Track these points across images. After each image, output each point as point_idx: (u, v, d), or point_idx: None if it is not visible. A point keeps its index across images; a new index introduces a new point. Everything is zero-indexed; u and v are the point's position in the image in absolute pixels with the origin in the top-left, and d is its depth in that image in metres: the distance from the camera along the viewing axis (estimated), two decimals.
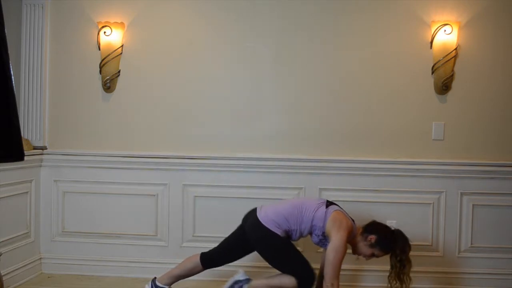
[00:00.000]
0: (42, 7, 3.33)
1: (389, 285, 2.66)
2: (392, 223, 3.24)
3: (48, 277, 3.32)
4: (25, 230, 3.26)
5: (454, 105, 3.25)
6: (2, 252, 2.58)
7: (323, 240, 2.66)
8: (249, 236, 2.70)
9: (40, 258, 3.41)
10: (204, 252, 2.80)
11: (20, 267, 3.16)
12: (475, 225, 3.25)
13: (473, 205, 3.24)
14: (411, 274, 2.64)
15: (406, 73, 3.26)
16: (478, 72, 3.23)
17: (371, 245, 2.63)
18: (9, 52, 1.75)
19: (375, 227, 2.69)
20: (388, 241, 2.64)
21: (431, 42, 3.20)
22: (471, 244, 3.26)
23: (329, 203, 2.70)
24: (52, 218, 3.42)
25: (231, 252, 2.81)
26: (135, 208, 3.38)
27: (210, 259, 2.79)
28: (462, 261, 3.27)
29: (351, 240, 2.67)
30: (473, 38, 3.21)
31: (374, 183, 3.26)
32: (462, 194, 3.24)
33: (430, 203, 3.26)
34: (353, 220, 2.70)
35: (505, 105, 3.23)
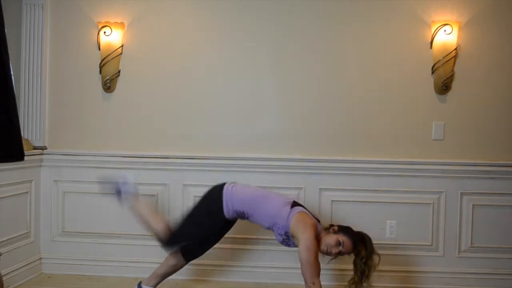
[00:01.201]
0: (42, 7, 3.33)
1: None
2: (392, 223, 3.26)
3: (48, 277, 3.32)
4: (25, 230, 3.26)
5: (454, 105, 3.25)
6: (2, 252, 2.58)
7: (287, 239, 2.67)
8: (208, 192, 2.79)
9: (40, 258, 3.41)
10: (184, 245, 2.83)
11: (20, 267, 3.15)
12: (475, 225, 3.25)
13: (473, 205, 3.24)
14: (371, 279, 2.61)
15: (406, 73, 3.26)
16: (478, 72, 3.23)
17: (335, 232, 2.62)
18: (9, 52, 1.75)
19: (337, 224, 2.71)
20: (351, 230, 2.65)
21: (431, 42, 3.20)
22: (471, 244, 3.26)
23: (294, 204, 2.70)
24: (52, 218, 3.42)
25: (206, 233, 2.80)
26: None
27: (189, 250, 2.81)
28: (462, 261, 3.27)
29: (316, 238, 2.63)
30: (473, 38, 3.21)
31: (374, 183, 3.26)
32: (462, 194, 3.24)
33: (430, 203, 3.26)
34: (318, 221, 2.70)
35: (505, 105, 3.23)
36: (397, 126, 3.27)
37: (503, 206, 3.23)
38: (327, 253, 2.63)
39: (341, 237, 2.60)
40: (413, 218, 3.25)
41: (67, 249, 3.41)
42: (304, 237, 2.54)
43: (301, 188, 3.29)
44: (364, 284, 2.60)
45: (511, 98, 3.23)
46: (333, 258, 2.71)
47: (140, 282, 2.85)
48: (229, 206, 2.69)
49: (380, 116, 3.28)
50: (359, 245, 2.60)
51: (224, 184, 2.79)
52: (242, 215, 2.73)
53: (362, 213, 3.24)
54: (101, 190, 2.94)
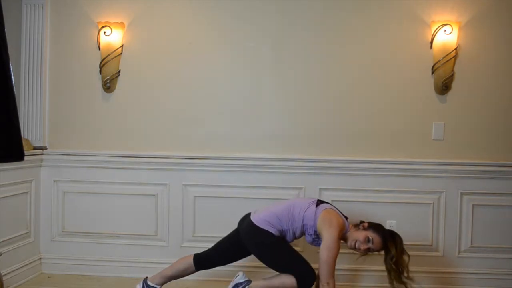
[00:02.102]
0: (42, 7, 3.33)
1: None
2: (392, 223, 3.26)
3: (48, 277, 3.32)
4: (25, 230, 3.26)
5: (454, 105, 3.25)
6: (2, 252, 2.59)
7: (316, 239, 2.65)
8: (244, 239, 2.70)
9: (40, 258, 3.41)
10: (198, 254, 2.81)
11: (20, 267, 3.15)
12: (475, 225, 3.25)
13: (473, 205, 3.24)
14: (411, 274, 2.62)
15: (406, 73, 3.26)
16: (478, 72, 3.23)
17: (364, 229, 2.62)
18: (9, 52, 1.75)
19: (368, 221, 2.71)
20: (382, 228, 2.65)
21: (431, 42, 3.20)
22: (471, 244, 3.26)
23: (319, 202, 2.70)
24: (52, 218, 3.42)
25: (225, 254, 2.81)
26: (135, 208, 3.38)
27: (203, 261, 2.79)
28: (462, 261, 3.27)
29: (344, 237, 2.65)
30: (473, 38, 3.21)
31: (374, 183, 3.26)
32: (462, 194, 3.24)
33: (430, 203, 3.26)
34: (346, 217, 2.69)
35: (505, 105, 3.23)
36: (397, 126, 3.27)
37: (503, 206, 3.23)
38: (355, 248, 2.63)
39: (371, 234, 2.60)
40: (413, 218, 3.25)
41: (67, 249, 3.41)
42: (327, 235, 2.53)
43: (301, 188, 3.29)
44: (405, 281, 2.58)
45: (511, 98, 3.23)
46: (363, 255, 2.71)
47: (146, 278, 2.83)
48: (273, 229, 2.63)
49: (380, 116, 3.28)
50: (389, 243, 2.59)
51: (249, 217, 2.72)
52: (284, 233, 2.68)
53: (362, 213, 3.23)
54: None
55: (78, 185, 3.40)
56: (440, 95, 3.25)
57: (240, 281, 2.73)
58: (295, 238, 2.73)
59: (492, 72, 3.22)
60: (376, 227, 2.65)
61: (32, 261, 3.31)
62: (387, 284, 2.68)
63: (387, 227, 3.23)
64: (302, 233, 2.70)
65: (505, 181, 3.21)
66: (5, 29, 1.74)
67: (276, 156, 3.28)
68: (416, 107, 3.26)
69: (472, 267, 3.26)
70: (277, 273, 2.67)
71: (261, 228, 2.63)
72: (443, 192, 3.25)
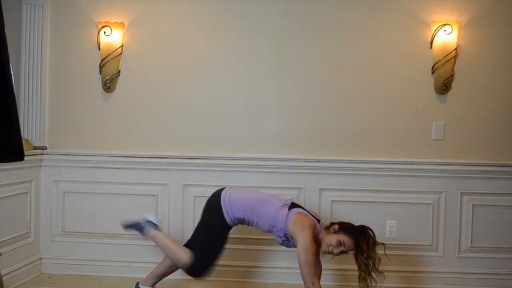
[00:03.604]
0: (42, 7, 3.33)
1: (361, 285, 2.60)
2: (392, 223, 3.26)
3: (48, 277, 3.32)
4: (25, 230, 3.26)
5: (454, 105, 3.25)
6: (2, 252, 2.59)
7: (286, 241, 2.67)
8: (205, 204, 2.79)
9: (40, 258, 3.41)
10: (183, 244, 2.83)
11: (20, 267, 3.15)
12: (475, 225, 3.25)
13: (473, 205, 3.24)
14: (381, 268, 2.58)
15: (406, 73, 3.26)
16: (478, 72, 3.23)
17: (335, 232, 2.61)
18: (9, 52, 1.75)
19: (338, 222, 2.69)
20: (352, 227, 2.62)
21: (431, 42, 3.20)
22: (471, 244, 3.26)
23: (293, 206, 2.69)
24: (52, 218, 3.42)
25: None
26: (135, 208, 3.37)
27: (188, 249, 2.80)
28: (462, 261, 3.27)
29: (317, 238, 2.63)
30: (473, 38, 3.21)
31: (374, 183, 3.26)
32: (462, 194, 3.24)
33: (430, 203, 3.26)
34: (318, 220, 2.69)
35: (505, 105, 3.23)
36: (397, 126, 3.27)
37: (503, 206, 3.23)
38: (329, 252, 2.62)
39: (342, 237, 2.59)
40: (413, 218, 3.25)
41: (67, 249, 3.41)
42: (302, 237, 2.53)
43: (301, 188, 3.29)
44: (373, 275, 2.57)
45: (511, 98, 3.23)
46: (335, 255, 2.69)
47: (138, 282, 2.85)
48: (229, 214, 2.68)
49: (380, 116, 3.28)
50: (361, 242, 2.58)
51: (221, 190, 2.77)
52: (243, 222, 2.73)
53: (362, 213, 3.23)
54: (124, 227, 2.92)
55: (78, 185, 3.40)
56: (440, 95, 3.25)
57: (151, 220, 2.85)
58: (257, 228, 2.73)
59: (492, 72, 3.22)
60: (346, 228, 2.62)
61: (32, 261, 3.31)
62: (379, 284, 2.63)
63: (387, 227, 3.25)
64: (268, 231, 2.71)
65: (505, 181, 3.21)
66: (5, 29, 1.74)
67: (276, 156, 3.28)
68: (416, 107, 3.26)
69: (472, 267, 3.25)
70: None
71: (220, 208, 2.68)
72: (443, 192, 3.25)
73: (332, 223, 2.69)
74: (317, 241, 2.63)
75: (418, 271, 3.25)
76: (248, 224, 2.74)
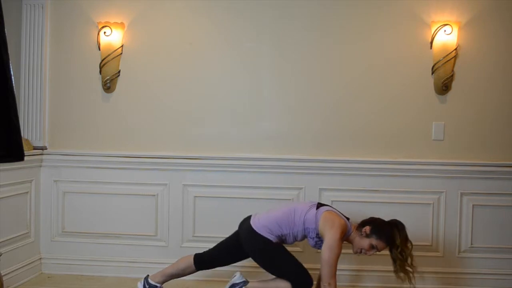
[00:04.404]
0: (42, 7, 3.33)
1: (399, 280, 2.64)
2: None
3: (48, 277, 3.32)
4: (25, 230, 3.26)
5: (454, 105, 3.25)
6: (2, 252, 2.58)
7: (319, 242, 2.65)
8: (243, 243, 2.72)
9: (40, 258, 3.41)
10: (198, 254, 2.82)
11: (20, 267, 3.15)
12: (475, 225, 3.25)
13: (473, 205, 3.24)
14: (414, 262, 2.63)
15: (406, 73, 3.26)
16: (478, 72, 3.23)
17: (367, 236, 2.61)
18: (9, 52, 1.75)
19: (370, 220, 2.69)
20: (383, 229, 2.62)
21: (431, 42, 3.20)
22: (471, 244, 3.26)
23: (320, 205, 2.71)
24: (52, 218, 3.42)
25: (225, 256, 2.83)
26: (135, 208, 3.38)
27: (203, 261, 2.81)
28: (462, 261, 3.27)
29: (347, 238, 2.66)
30: (473, 38, 3.21)
31: (374, 183, 3.26)
32: (462, 194, 3.24)
33: (430, 203, 3.26)
34: (347, 218, 2.70)
35: (505, 105, 3.23)
36: (397, 126, 3.27)
37: (503, 206, 3.23)
38: (361, 253, 2.66)
39: (374, 241, 2.60)
40: (413, 218, 3.24)
41: (67, 249, 3.41)
42: (329, 236, 2.54)
43: (301, 188, 3.29)
44: (408, 269, 2.60)
45: (511, 98, 3.23)
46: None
47: (148, 275, 2.85)
48: (269, 235, 2.64)
49: (380, 116, 3.28)
50: (395, 240, 2.59)
51: (249, 221, 2.73)
52: (283, 239, 2.70)
53: (362, 213, 3.22)
54: None
55: (78, 185, 3.40)
56: (440, 95, 3.25)
57: (237, 281, 2.75)
58: (296, 240, 2.73)
59: (492, 72, 3.22)
60: (378, 231, 2.61)
61: (32, 261, 3.30)
62: (389, 284, 2.67)
63: None
64: (304, 237, 2.70)
65: (505, 181, 3.21)
66: (5, 29, 1.74)
67: (276, 156, 3.28)
68: (416, 107, 3.26)
69: (472, 267, 3.25)
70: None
71: (259, 235, 2.64)
72: (443, 192, 3.25)
73: (363, 222, 2.68)
74: (348, 240, 2.67)
75: (418, 271, 3.24)
76: (287, 241, 2.70)
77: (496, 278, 3.23)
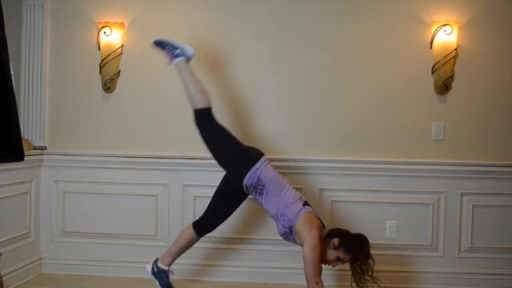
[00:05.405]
0: (42, 7, 3.33)
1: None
2: (392, 223, 3.26)
3: (48, 277, 3.32)
4: (25, 230, 3.26)
5: (454, 105, 3.25)
6: (2, 252, 2.58)
7: (289, 234, 2.67)
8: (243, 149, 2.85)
9: (40, 258, 3.41)
10: (196, 221, 2.86)
11: (20, 267, 3.15)
12: (475, 225, 3.25)
13: (473, 205, 3.24)
14: (375, 274, 2.64)
15: (406, 73, 3.26)
16: (478, 72, 3.23)
17: (335, 248, 2.62)
18: (9, 52, 1.75)
19: (338, 231, 2.70)
20: (351, 243, 2.63)
21: (431, 42, 3.20)
22: (471, 244, 3.26)
23: (306, 203, 2.72)
24: (52, 218, 3.42)
25: (222, 206, 2.85)
26: (135, 208, 3.38)
27: (203, 225, 2.83)
28: (462, 261, 3.27)
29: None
30: (473, 38, 3.21)
31: (374, 183, 3.26)
32: (462, 194, 3.24)
33: (430, 203, 3.26)
34: (323, 225, 2.71)
35: (505, 105, 3.23)
36: (397, 126, 3.27)
37: (503, 206, 3.23)
38: (326, 263, 2.66)
39: (341, 254, 2.62)
40: (413, 218, 3.25)
41: (67, 249, 3.41)
42: (310, 237, 2.55)
43: (301, 188, 3.28)
44: (366, 279, 2.61)
45: (511, 98, 3.23)
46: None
47: (157, 258, 2.87)
48: (257, 171, 2.69)
49: (380, 116, 3.28)
50: (359, 254, 2.61)
51: (263, 154, 2.82)
52: (257, 188, 2.70)
53: (362, 213, 3.24)
54: (153, 46, 2.96)
55: (78, 185, 3.40)
56: (440, 95, 3.25)
57: (190, 54, 2.94)
58: (260, 202, 2.74)
59: (492, 72, 3.22)
60: (346, 244, 2.62)
61: (32, 261, 3.30)
62: (381, 284, 2.65)
63: (387, 227, 3.25)
64: (274, 216, 2.70)
65: (505, 181, 3.21)
66: (5, 29, 1.74)
67: (275, 156, 3.27)
68: (416, 107, 3.26)
69: (472, 267, 3.25)
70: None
71: (254, 162, 2.72)
72: (443, 192, 3.25)
73: (331, 233, 2.68)
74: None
75: (418, 271, 3.25)
76: (260, 194, 2.71)
77: (496, 278, 3.23)
